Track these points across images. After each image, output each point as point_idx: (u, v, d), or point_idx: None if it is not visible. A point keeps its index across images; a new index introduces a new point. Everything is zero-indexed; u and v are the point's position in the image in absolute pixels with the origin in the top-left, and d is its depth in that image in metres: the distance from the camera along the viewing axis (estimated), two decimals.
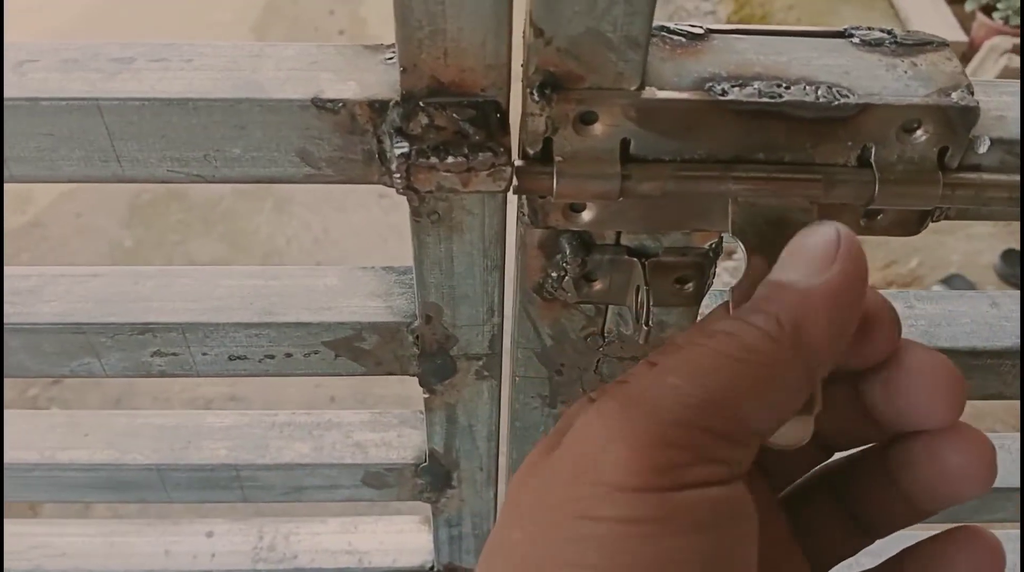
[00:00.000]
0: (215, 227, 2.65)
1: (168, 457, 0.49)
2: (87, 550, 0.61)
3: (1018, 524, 0.59)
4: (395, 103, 0.31)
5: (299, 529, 0.61)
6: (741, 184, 0.31)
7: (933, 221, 0.35)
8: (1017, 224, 2.73)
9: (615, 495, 0.25)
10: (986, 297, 0.47)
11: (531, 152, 0.31)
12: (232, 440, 0.50)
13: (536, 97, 0.29)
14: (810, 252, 0.28)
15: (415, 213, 0.35)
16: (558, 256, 0.35)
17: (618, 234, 0.35)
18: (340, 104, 0.32)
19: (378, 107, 0.31)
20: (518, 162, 0.31)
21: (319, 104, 0.32)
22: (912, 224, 0.35)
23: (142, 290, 0.41)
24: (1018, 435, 0.58)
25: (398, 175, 0.31)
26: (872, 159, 0.32)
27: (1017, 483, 0.55)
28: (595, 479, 0.25)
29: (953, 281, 2.43)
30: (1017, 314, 0.46)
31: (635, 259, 0.35)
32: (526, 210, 0.33)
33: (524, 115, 0.30)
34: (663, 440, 0.26)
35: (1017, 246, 2.58)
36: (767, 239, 0.31)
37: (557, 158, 0.30)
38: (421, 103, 0.31)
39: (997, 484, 0.55)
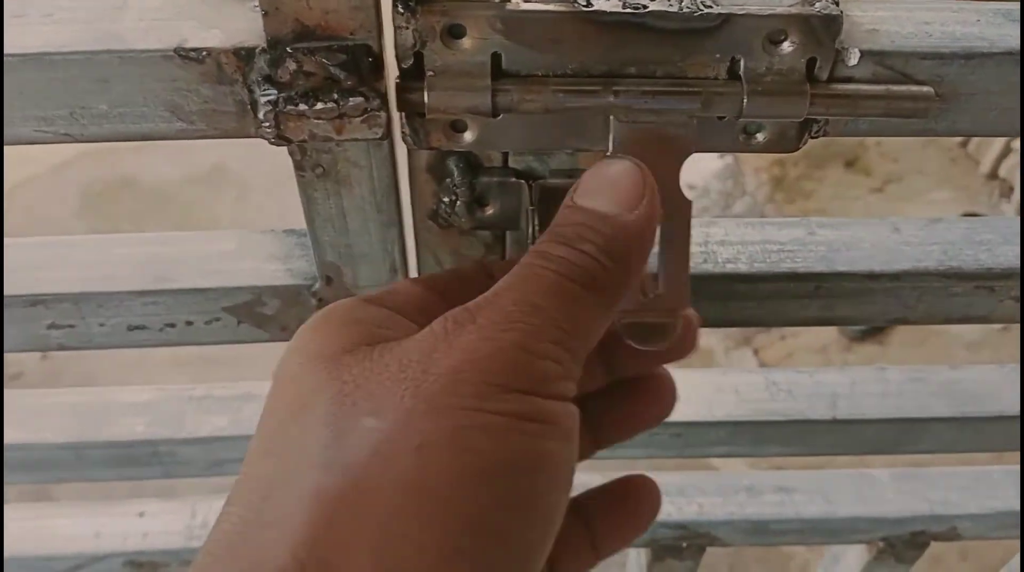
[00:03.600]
0: (169, 216, 2.60)
1: (82, 435, 0.48)
2: (15, 534, 0.60)
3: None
4: (261, 50, 0.31)
5: None
6: (620, 99, 0.31)
7: (812, 137, 0.35)
8: (975, 189, 2.77)
9: (505, 394, 0.26)
10: (888, 223, 0.47)
11: (404, 67, 0.31)
12: (149, 415, 0.49)
13: (400, 9, 0.29)
14: (623, 187, 0.30)
15: (298, 167, 0.35)
16: (447, 180, 0.35)
17: (505, 156, 0.35)
18: (204, 53, 0.31)
19: (245, 55, 0.31)
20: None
21: (182, 54, 0.31)
22: (790, 140, 0.35)
23: (33, 260, 0.41)
24: None
25: (267, 124, 0.31)
26: (741, 71, 0.32)
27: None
28: (480, 379, 0.26)
29: None
30: (918, 239, 0.46)
31: (522, 181, 0.35)
32: (407, 130, 0.33)
33: (394, 29, 0.30)
34: (537, 353, 0.27)
35: (977, 211, 2.61)
36: (647, 155, 0.32)
37: (428, 72, 0.30)
38: (288, 49, 0.30)
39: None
